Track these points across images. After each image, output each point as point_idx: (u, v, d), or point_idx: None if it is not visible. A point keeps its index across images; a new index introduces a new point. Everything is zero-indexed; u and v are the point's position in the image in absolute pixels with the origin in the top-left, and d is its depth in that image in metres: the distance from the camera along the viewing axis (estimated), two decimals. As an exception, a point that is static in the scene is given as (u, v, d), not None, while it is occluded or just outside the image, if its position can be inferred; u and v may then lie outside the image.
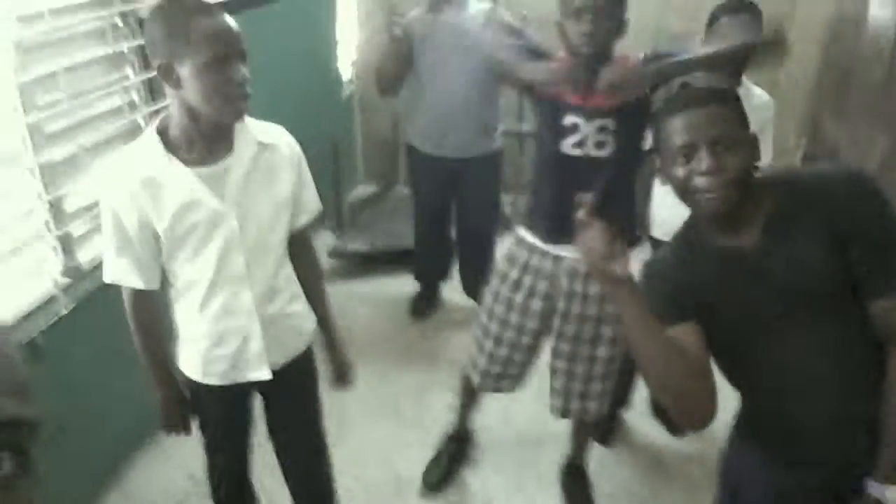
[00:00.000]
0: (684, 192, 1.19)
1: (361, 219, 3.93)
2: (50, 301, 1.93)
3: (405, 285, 3.40)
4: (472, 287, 3.06)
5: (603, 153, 1.77)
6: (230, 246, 1.40)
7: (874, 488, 1.16)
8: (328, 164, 3.88)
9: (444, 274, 3.36)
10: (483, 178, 2.97)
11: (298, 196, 1.53)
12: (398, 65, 2.79)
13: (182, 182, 1.33)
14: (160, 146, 1.32)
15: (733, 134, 1.16)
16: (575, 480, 2.28)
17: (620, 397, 2.49)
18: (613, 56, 1.77)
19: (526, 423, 2.59)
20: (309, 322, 1.66)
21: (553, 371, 2.03)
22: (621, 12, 1.74)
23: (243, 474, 1.81)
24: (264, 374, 1.55)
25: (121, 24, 2.17)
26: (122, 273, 1.40)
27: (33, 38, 1.84)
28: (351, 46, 4.23)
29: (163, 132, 1.34)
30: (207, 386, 1.55)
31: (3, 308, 1.82)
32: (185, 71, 1.23)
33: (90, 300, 2.03)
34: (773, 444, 1.28)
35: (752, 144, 1.20)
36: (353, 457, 2.43)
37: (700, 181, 1.14)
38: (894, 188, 3.94)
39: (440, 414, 2.65)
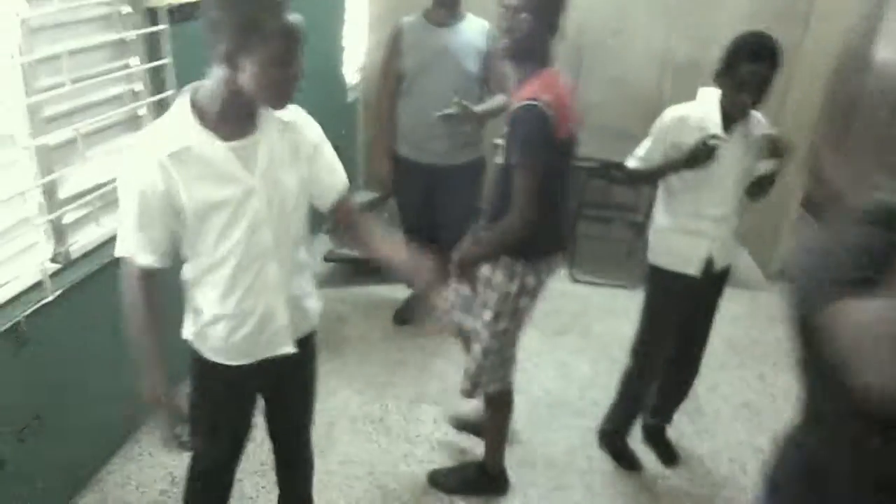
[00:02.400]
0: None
1: (359, 225, 3.89)
2: (36, 286, 1.88)
3: (398, 292, 3.36)
4: None
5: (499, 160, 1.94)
6: (259, 221, 1.40)
7: None
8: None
9: None
10: (463, 187, 2.97)
11: (326, 172, 1.54)
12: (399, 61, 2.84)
13: (217, 154, 1.33)
14: (195, 119, 1.32)
15: None
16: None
17: (628, 418, 2.49)
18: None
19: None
20: (317, 305, 1.66)
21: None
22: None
23: (230, 470, 1.77)
24: (289, 348, 1.56)
25: (131, 10, 2.13)
26: (138, 249, 1.37)
27: (40, 19, 1.80)
28: (359, 51, 4.21)
29: (194, 104, 1.33)
30: (226, 366, 1.53)
31: (-11, 290, 1.77)
32: (249, 60, 1.23)
33: (77, 288, 1.98)
34: None
35: None
36: (338, 470, 2.38)
37: None
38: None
39: (427, 427, 2.60)
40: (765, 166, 2.08)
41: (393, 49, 2.84)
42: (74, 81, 1.93)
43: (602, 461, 2.51)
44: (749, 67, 1.93)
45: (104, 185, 2.09)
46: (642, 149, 2.16)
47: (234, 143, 1.35)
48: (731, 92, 1.98)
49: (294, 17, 1.27)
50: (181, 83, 2.23)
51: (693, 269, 2.15)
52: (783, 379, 3.05)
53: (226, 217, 1.37)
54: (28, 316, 1.80)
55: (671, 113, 2.10)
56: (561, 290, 3.50)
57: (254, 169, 1.38)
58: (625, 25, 3.95)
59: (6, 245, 1.83)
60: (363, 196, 4.44)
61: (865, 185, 4.17)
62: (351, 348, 3.05)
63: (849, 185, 4.52)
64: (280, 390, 1.71)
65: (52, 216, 1.90)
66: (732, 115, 2.02)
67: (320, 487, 2.27)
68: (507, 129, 1.81)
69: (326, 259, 3.54)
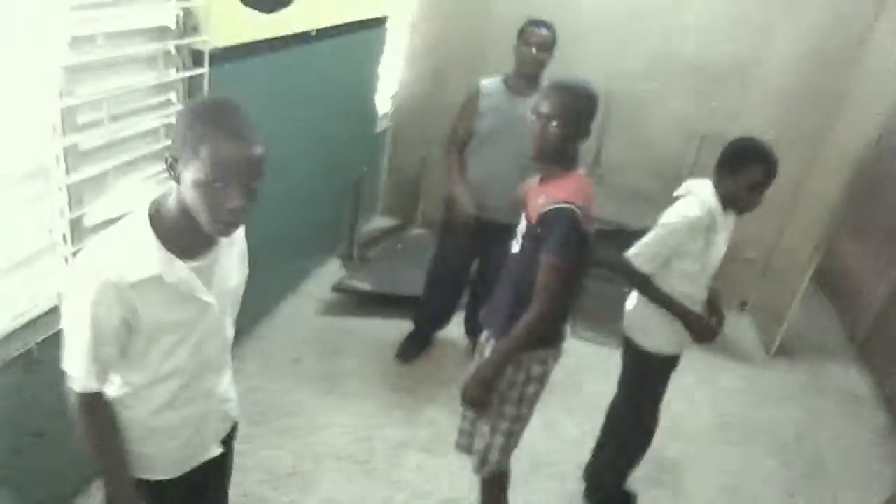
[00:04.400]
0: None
1: (371, 255, 3.97)
2: (52, 311, 1.97)
3: (400, 329, 3.43)
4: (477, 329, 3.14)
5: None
6: (209, 334, 1.39)
7: None
8: (350, 195, 3.94)
9: (443, 324, 3.41)
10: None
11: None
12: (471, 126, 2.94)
13: (180, 278, 1.28)
14: (155, 239, 1.25)
15: None
16: None
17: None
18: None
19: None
20: (236, 408, 1.65)
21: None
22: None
23: None
24: (217, 450, 1.58)
25: (174, 52, 2.22)
26: (90, 376, 1.29)
27: (83, 62, 1.90)
28: (393, 82, 4.30)
29: (155, 218, 1.27)
30: (171, 481, 1.51)
31: (5, 315, 1.86)
32: (185, 175, 1.20)
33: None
34: None
35: None
36: (317, 507, 2.45)
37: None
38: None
39: (411, 474, 2.66)
40: None
41: (470, 108, 2.94)
42: (114, 118, 2.03)
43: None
44: (764, 168, 2.06)
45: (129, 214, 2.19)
46: (649, 247, 2.18)
47: (195, 263, 1.31)
48: (740, 191, 2.11)
49: (246, 146, 1.19)
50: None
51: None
52: (768, 463, 3.08)
53: (178, 336, 1.34)
54: (40, 342, 1.89)
55: (683, 213, 2.14)
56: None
57: (210, 285, 1.35)
58: (654, 89, 4.00)
59: (26, 271, 1.91)
60: (381, 223, 4.54)
61: (880, 267, 4.17)
62: (345, 382, 3.12)
63: (863, 265, 4.52)
64: (204, 485, 1.68)
65: (76, 248, 1.99)
66: (730, 206, 2.18)
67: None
68: (539, 225, 1.86)
69: (335, 289, 3.61)
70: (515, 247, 1.96)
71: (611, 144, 4.12)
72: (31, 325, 1.92)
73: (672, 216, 2.16)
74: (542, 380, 2.03)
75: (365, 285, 3.60)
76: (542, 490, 2.71)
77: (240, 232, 1.47)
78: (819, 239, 3.66)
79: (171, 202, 1.26)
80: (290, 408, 2.88)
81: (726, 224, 2.21)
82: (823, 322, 4.51)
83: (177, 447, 1.47)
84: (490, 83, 2.93)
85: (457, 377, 2.30)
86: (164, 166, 1.25)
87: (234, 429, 1.67)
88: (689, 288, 2.21)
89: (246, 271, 1.53)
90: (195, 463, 1.54)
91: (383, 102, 4.26)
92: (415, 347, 3.38)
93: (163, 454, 1.46)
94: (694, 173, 3.80)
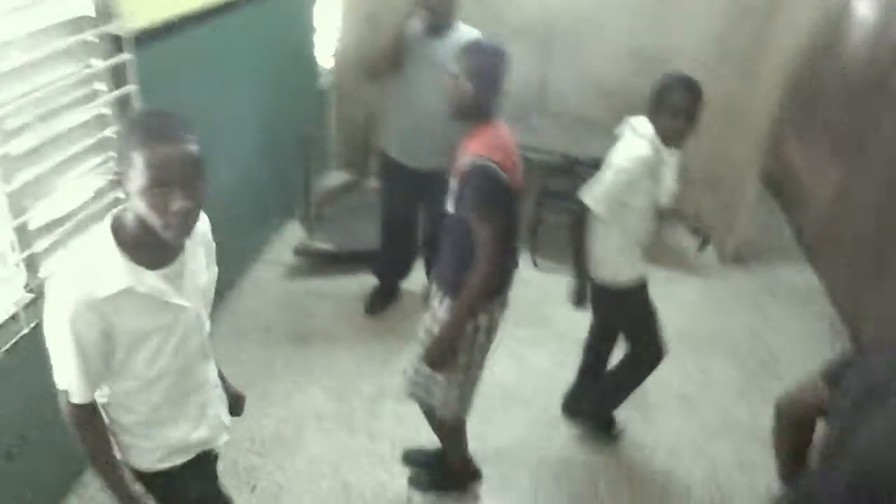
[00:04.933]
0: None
1: (329, 213, 3.99)
2: (12, 320, 2.00)
3: (366, 285, 3.51)
4: None
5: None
6: (188, 333, 1.45)
7: None
8: (300, 154, 3.92)
9: (404, 274, 3.50)
10: (445, 191, 3.06)
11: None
12: (393, 57, 2.89)
13: (150, 287, 1.32)
14: (120, 252, 1.29)
15: None
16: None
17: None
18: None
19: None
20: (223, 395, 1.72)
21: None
22: None
23: None
24: (226, 436, 1.66)
25: (96, 40, 2.18)
26: (82, 389, 1.35)
27: (2, 70, 1.86)
28: (331, 35, 4.22)
29: (117, 233, 1.31)
30: (180, 467, 1.57)
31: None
32: (130, 187, 1.24)
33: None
34: None
35: None
36: (305, 467, 2.58)
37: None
38: (847, 215, 4.11)
39: (389, 424, 2.80)
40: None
41: (398, 45, 2.87)
42: (41, 119, 2.01)
43: (550, 455, 2.73)
44: (681, 94, 2.17)
45: (75, 211, 2.19)
46: (604, 190, 2.25)
47: (164, 271, 1.35)
48: (668, 121, 2.19)
49: (178, 147, 1.22)
50: (147, 104, 2.33)
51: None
52: (722, 367, 3.27)
53: (157, 341, 1.39)
54: (6, 351, 1.93)
55: (634, 155, 2.22)
56: (521, 277, 3.66)
57: (182, 289, 1.39)
58: (591, 17, 3.99)
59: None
60: (336, 178, 4.53)
61: (822, 169, 4.32)
62: (317, 344, 3.22)
63: (807, 168, 4.67)
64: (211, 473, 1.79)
65: (24, 254, 2.00)
66: (669, 143, 2.25)
67: (288, 487, 2.49)
68: (459, 182, 1.93)
69: (296, 253, 3.65)
70: (450, 206, 2.00)
71: (554, 75, 4.14)
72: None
73: (622, 159, 2.24)
74: (490, 329, 2.12)
75: (325, 246, 3.65)
76: (515, 421, 2.87)
77: (205, 230, 1.50)
78: (761, 148, 3.77)
79: (129, 216, 1.30)
80: (266, 375, 2.98)
81: (671, 161, 2.31)
82: (776, 227, 4.69)
83: (186, 431, 1.54)
84: (412, 25, 2.90)
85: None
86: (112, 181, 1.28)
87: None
88: (640, 223, 2.36)
89: (215, 269, 1.57)
90: (211, 445, 1.63)
91: (323, 58, 4.19)
92: (381, 300, 3.47)
93: (172, 441, 1.53)
94: (639, 95, 3.86)
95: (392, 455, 2.66)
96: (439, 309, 2.09)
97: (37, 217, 2.08)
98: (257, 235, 3.80)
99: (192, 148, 1.25)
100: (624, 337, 2.64)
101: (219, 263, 1.57)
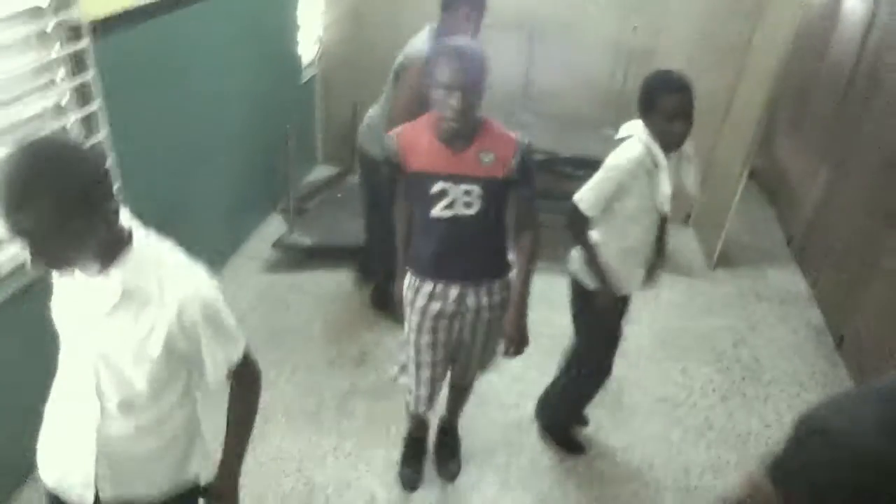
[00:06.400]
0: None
1: (311, 206, 3.96)
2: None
3: (343, 281, 3.47)
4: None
5: (470, 211, 1.96)
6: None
7: None
8: (282, 147, 3.89)
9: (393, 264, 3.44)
10: None
11: None
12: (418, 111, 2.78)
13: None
14: None
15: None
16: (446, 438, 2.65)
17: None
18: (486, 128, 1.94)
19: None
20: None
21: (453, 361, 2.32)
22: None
23: None
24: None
25: (51, 30, 2.15)
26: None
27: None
28: (314, 28, 4.18)
29: None
30: None
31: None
32: None
33: (8, 305, 2.08)
34: None
35: None
36: (269, 463, 2.54)
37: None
38: (834, 213, 4.05)
39: (359, 423, 2.76)
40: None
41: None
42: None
43: (520, 456, 2.69)
44: (674, 97, 2.07)
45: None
46: (594, 191, 2.19)
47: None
48: (664, 125, 2.10)
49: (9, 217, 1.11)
50: (108, 95, 2.30)
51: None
52: (705, 371, 3.22)
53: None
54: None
55: (625, 155, 2.14)
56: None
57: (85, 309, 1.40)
58: (577, 13, 3.94)
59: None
60: (321, 172, 4.50)
61: (812, 165, 4.25)
62: (291, 338, 3.18)
63: (797, 165, 4.60)
64: None
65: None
66: (668, 146, 2.15)
67: (250, 481, 2.45)
68: (517, 172, 1.97)
69: (275, 246, 3.62)
70: (468, 209, 1.95)
71: (539, 74, 4.08)
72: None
73: (614, 160, 2.16)
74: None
75: (305, 240, 3.61)
76: (487, 422, 2.83)
77: (181, 296, 1.35)
78: (750, 147, 3.71)
79: None
80: (237, 369, 2.94)
81: (670, 165, 2.18)
82: (764, 228, 4.62)
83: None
84: (415, 44, 2.77)
85: (400, 322, 2.35)
86: None
87: None
88: (633, 227, 2.25)
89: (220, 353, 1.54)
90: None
91: (307, 51, 4.15)
92: (384, 295, 3.40)
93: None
94: (624, 92, 3.82)
95: (359, 454, 2.62)
96: (452, 294, 2.12)
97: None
98: (238, 228, 3.77)
99: (20, 218, 1.12)
100: (578, 342, 2.57)
101: (198, 255, 1.46)
